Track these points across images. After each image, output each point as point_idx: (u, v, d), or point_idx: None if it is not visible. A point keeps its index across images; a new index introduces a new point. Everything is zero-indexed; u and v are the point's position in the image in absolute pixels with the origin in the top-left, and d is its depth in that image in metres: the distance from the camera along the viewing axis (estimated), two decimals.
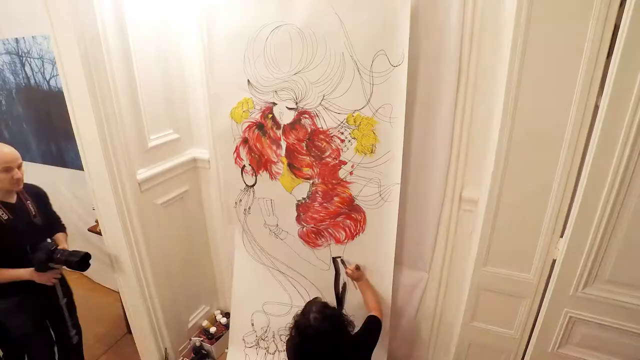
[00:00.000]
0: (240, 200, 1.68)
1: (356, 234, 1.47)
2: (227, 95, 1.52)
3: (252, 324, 1.85)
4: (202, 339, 1.98)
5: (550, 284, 1.15)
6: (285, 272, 1.72)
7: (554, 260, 1.16)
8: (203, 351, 1.96)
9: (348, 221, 1.46)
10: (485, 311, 1.35)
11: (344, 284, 1.59)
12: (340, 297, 1.62)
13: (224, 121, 1.57)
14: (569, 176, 1.08)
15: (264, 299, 1.74)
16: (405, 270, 1.55)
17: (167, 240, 1.78)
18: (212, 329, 2.02)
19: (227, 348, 1.94)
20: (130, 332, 1.94)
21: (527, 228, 1.18)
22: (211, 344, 1.96)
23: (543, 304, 1.18)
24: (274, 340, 1.85)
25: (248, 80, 1.45)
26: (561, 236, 1.14)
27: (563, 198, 1.11)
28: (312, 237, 1.57)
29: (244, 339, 1.89)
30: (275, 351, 1.88)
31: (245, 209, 1.69)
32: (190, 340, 2.00)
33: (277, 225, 1.63)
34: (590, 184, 0.99)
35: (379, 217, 1.39)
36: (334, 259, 1.57)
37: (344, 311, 1.56)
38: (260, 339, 1.86)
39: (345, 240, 1.50)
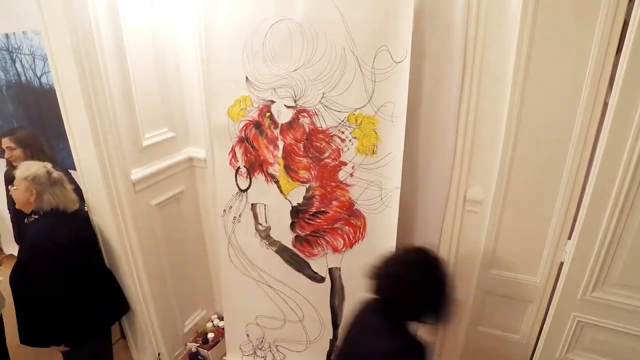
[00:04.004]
0: (230, 207, 1.60)
1: (355, 242, 1.41)
2: (224, 92, 1.47)
3: (248, 335, 1.79)
4: (198, 344, 1.92)
5: (557, 287, 1.12)
6: (275, 286, 1.63)
7: (562, 263, 1.13)
8: (199, 357, 1.90)
9: (347, 227, 1.40)
10: (491, 315, 1.33)
11: (341, 297, 1.53)
12: (336, 311, 1.56)
13: (221, 119, 1.51)
14: (577, 176, 1.06)
15: (256, 312, 1.67)
16: None
17: (162, 242, 1.73)
18: (210, 335, 1.96)
19: (225, 355, 1.89)
20: (124, 336, 1.89)
21: (534, 229, 1.15)
22: (208, 349, 1.91)
23: (550, 308, 1.15)
24: (270, 350, 1.79)
25: (246, 77, 1.40)
26: (569, 238, 1.12)
27: (571, 198, 1.09)
28: (306, 246, 1.50)
29: (241, 348, 1.84)
30: None
31: (235, 217, 1.60)
32: (186, 345, 1.94)
33: (269, 234, 1.56)
34: (599, 184, 0.97)
35: (379, 224, 1.33)
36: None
37: None
38: (257, 349, 1.81)
39: (343, 249, 1.44)
